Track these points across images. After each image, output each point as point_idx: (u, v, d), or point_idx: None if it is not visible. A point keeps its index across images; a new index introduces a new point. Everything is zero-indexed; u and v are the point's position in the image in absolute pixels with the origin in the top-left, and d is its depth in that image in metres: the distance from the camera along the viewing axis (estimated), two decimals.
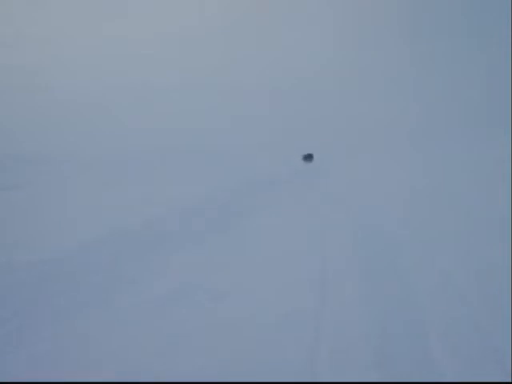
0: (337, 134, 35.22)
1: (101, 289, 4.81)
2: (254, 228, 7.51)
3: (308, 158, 23.92)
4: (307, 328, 3.57)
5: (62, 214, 9.83)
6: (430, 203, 8.49)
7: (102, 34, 61.61)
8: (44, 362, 3.30)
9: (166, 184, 14.44)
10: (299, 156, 24.25)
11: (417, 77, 48.56)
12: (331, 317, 3.75)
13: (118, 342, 3.54)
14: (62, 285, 4.97)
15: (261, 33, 61.01)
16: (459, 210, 7.59)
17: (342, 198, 10.24)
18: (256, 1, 67.58)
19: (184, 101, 47.49)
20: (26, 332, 3.83)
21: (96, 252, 6.30)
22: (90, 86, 50.26)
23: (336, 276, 4.75)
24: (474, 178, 11.19)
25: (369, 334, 3.41)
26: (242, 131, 37.15)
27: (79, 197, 12.55)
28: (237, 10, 66.48)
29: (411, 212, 7.84)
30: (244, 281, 4.79)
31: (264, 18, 63.94)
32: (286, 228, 7.35)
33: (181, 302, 4.26)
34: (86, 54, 57.73)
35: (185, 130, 38.35)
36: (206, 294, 4.41)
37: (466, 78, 46.03)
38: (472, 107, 39.45)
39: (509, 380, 2.75)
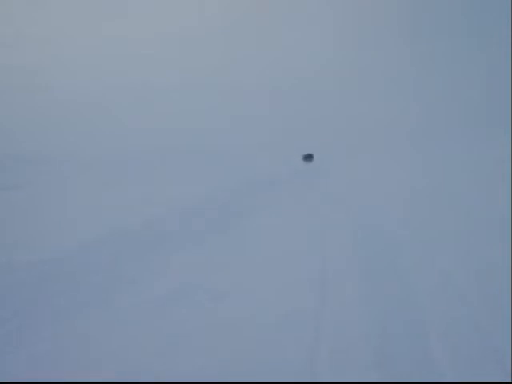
0: (337, 134, 35.21)
1: (101, 289, 4.81)
2: (253, 228, 7.51)
3: (308, 158, 23.92)
4: (307, 328, 3.57)
5: (62, 214, 9.83)
6: (430, 203, 8.49)
7: (102, 34, 61.60)
8: (44, 362, 3.30)
9: (165, 184, 14.44)
10: (299, 156, 24.26)
11: (417, 77, 48.55)
12: (331, 317, 3.75)
13: (118, 342, 3.54)
14: (61, 285, 4.97)
15: (261, 33, 61.00)
16: (459, 210, 7.59)
17: (342, 198, 10.24)
18: (256, 1, 67.57)
19: (184, 101, 47.48)
20: (25, 332, 3.83)
21: (96, 252, 6.30)
22: (90, 86, 50.24)
23: (336, 276, 4.75)
24: (474, 178, 11.18)
25: (369, 334, 3.41)
26: (242, 131, 37.14)
27: (79, 197, 12.55)
28: (237, 10, 66.46)
29: (411, 212, 7.83)
30: (244, 281, 4.79)
31: (264, 18, 63.93)
32: (286, 228, 7.35)
33: (181, 302, 4.26)
34: (85, 54, 57.72)
35: (185, 130, 38.34)
36: (205, 294, 4.41)
37: (466, 78, 46.03)
38: (472, 107, 39.44)
39: (509, 380, 2.75)
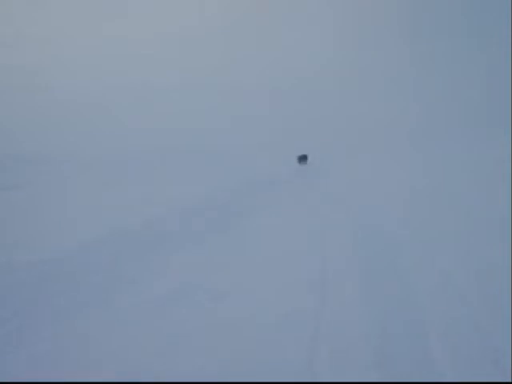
0: (337, 134, 35.19)
1: (101, 289, 4.81)
2: (253, 228, 7.51)
3: (303, 159, 23.96)
4: (307, 328, 3.57)
5: (62, 214, 9.83)
6: (430, 203, 8.48)
7: (102, 34, 61.59)
8: (44, 362, 3.30)
9: (165, 184, 14.44)
10: (296, 158, 24.31)
11: (417, 77, 48.54)
12: (331, 317, 3.75)
13: (118, 342, 3.54)
14: (61, 285, 4.97)
15: (261, 33, 60.99)
16: (459, 210, 7.58)
17: (342, 198, 10.24)
18: (256, 1, 67.57)
19: (184, 101, 47.46)
20: (26, 332, 3.83)
21: (96, 252, 6.30)
22: (90, 86, 50.24)
23: (336, 276, 4.74)
24: (474, 178, 11.18)
25: (369, 334, 3.41)
26: (242, 131, 37.13)
27: (79, 197, 12.55)
28: (237, 10, 66.47)
29: (411, 212, 7.83)
30: (244, 281, 4.79)
31: (264, 18, 63.92)
32: (286, 228, 7.34)
33: (181, 302, 4.26)
34: (85, 54, 57.71)
35: (185, 130, 38.33)
36: (205, 294, 4.41)
37: (466, 78, 46.01)
38: (472, 107, 39.42)
39: (509, 380, 2.75)
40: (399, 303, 3.93)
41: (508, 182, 9.18)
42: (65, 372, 3.16)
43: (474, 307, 3.72)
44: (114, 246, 6.58)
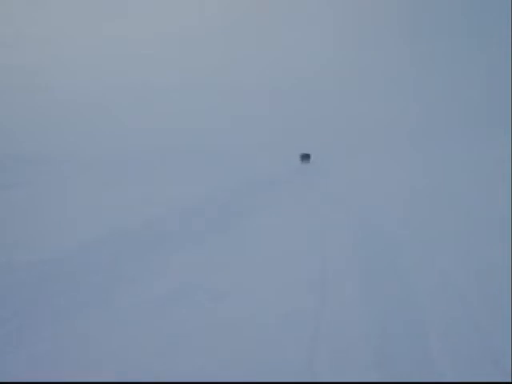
0: (337, 133, 35.23)
1: (101, 289, 4.81)
2: (253, 228, 7.51)
3: (305, 157, 24.01)
4: (307, 328, 3.57)
5: (62, 214, 9.83)
6: (430, 203, 8.49)
7: (102, 34, 61.63)
8: (44, 362, 3.30)
9: (166, 184, 14.45)
10: (299, 156, 24.35)
11: (417, 77, 48.59)
12: (331, 317, 3.75)
13: (118, 342, 3.54)
14: (61, 285, 4.97)
15: (261, 33, 61.02)
16: (459, 210, 7.59)
17: (342, 198, 10.24)
18: (256, 1, 67.58)
19: (184, 101, 47.49)
20: (26, 332, 3.83)
21: (96, 252, 6.30)
22: (90, 86, 50.27)
23: (336, 276, 4.74)
24: (474, 178, 11.18)
25: (369, 333, 3.41)
26: (242, 131, 37.16)
27: (79, 197, 12.55)
28: (237, 10, 66.48)
29: (411, 212, 7.83)
30: (244, 281, 4.79)
31: (264, 18, 63.94)
32: (286, 228, 7.34)
33: (181, 302, 4.26)
34: (86, 54, 57.74)
35: (185, 130, 38.37)
36: (205, 294, 4.41)
37: (466, 78, 46.04)
38: (472, 107, 39.46)
39: (509, 380, 2.75)
40: (399, 303, 3.93)
41: (508, 182, 9.19)
42: (65, 372, 3.16)
43: (474, 307, 3.72)
44: (113, 246, 6.58)
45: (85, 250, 6.43)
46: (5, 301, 4.60)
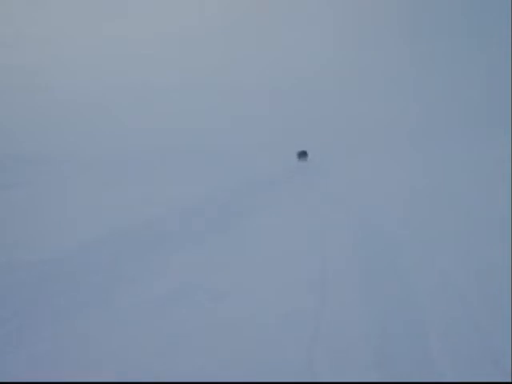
0: (337, 134, 35.22)
1: (101, 289, 4.81)
2: (253, 228, 7.51)
3: (302, 155, 24.02)
4: (307, 328, 3.57)
5: (62, 214, 9.83)
6: (430, 203, 8.49)
7: (102, 34, 61.62)
8: (44, 362, 3.30)
9: (166, 184, 14.45)
10: (296, 154, 24.41)
11: (417, 77, 48.58)
12: (331, 317, 3.75)
13: (118, 342, 3.54)
14: (61, 285, 4.97)
15: (261, 33, 61.02)
16: (459, 210, 7.59)
17: (342, 198, 10.24)
18: (256, 1, 67.61)
19: (184, 101, 47.50)
20: (26, 332, 3.83)
21: (96, 252, 6.30)
22: (90, 86, 50.28)
23: (336, 276, 4.74)
24: (474, 178, 11.18)
25: (369, 333, 3.41)
26: (242, 131, 37.16)
27: (79, 197, 12.56)
28: (237, 10, 66.50)
29: (411, 212, 7.83)
30: (244, 281, 4.79)
31: (264, 18, 63.95)
32: (286, 228, 7.35)
33: (181, 302, 4.26)
34: (86, 54, 57.74)
35: (185, 130, 38.37)
36: (205, 294, 4.41)
37: (466, 78, 46.04)
38: (472, 107, 39.45)
39: (509, 380, 2.75)
40: (399, 303, 3.93)
41: (508, 182, 9.18)
42: (65, 372, 3.17)
43: (474, 307, 3.72)
44: (113, 246, 6.58)
45: (85, 250, 6.44)
46: (5, 301, 4.60)
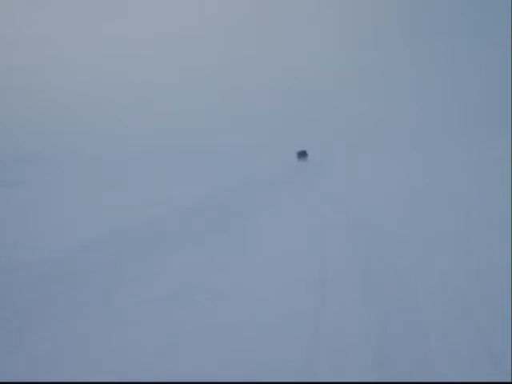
0: (337, 133, 35.23)
1: (101, 289, 4.81)
2: (253, 228, 7.51)
3: (302, 155, 24.04)
4: (307, 328, 3.57)
5: (62, 214, 9.84)
6: (430, 203, 8.48)
7: (102, 34, 61.64)
8: (44, 362, 3.30)
9: (166, 184, 14.46)
10: (296, 154, 24.44)
11: (417, 77, 48.60)
12: (331, 317, 3.75)
13: (118, 342, 3.54)
14: (61, 285, 4.98)
15: (261, 33, 61.04)
16: (459, 210, 7.59)
17: (342, 198, 10.24)
18: (256, 1, 67.62)
19: (184, 101, 47.51)
20: (26, 332, 3.83)
21: (96, 252, 6.30)
22: (90, 86, 50.28)
23: (336, 276, 4.74)
24: (474, 178, 11.17)
25: (369, 333, 3.41)
26: (242, 131, 37.17)
27: (79, 197, 12.56)
28: (237, 10, 66.51)
29: (411, 212, 7.83)
30: (244, 281, 4.79)
31: (264, 18, 63.97)
32: (286, 228, 7.34)
33: (181, 302, 4.26)
34: (86, 54, 57.75)
35: (185, 130, 38.37)
36: (205, 294, 4.41)
37: (466, 78, 46.05)
38: (472, 107, 39.46)
39: (509, 380, 2.75)
40: (399, 303, 3.93)
41: (508, 182, 9.18)
42: (65, 372, 3.17)
43: (474, 307, 3.72)
44: (114, 246, 6.58)
45: (85, 250, 6.44)
46: (5, 301, 4.61)
